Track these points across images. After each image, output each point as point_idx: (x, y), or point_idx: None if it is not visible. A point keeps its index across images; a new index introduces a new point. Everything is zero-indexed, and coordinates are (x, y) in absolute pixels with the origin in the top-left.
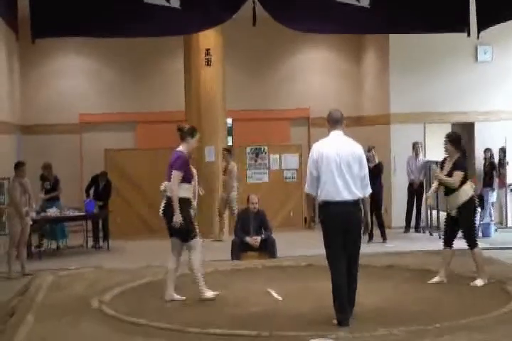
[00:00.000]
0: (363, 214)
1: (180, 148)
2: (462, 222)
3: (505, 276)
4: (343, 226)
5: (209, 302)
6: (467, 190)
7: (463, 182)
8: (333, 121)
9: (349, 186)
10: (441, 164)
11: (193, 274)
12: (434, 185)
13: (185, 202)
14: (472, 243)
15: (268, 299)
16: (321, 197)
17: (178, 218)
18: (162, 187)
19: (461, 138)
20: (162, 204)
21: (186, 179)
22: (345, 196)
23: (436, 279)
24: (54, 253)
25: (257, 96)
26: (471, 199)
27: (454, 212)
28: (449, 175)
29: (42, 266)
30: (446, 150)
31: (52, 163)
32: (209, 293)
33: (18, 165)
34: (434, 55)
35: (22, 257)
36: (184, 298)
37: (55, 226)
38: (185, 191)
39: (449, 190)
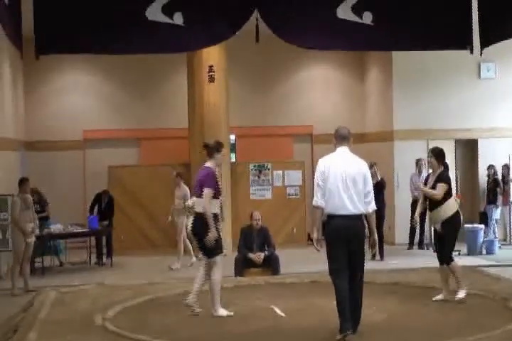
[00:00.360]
0: (367, 232)
1: (208, 164)
2: (446, 236)
3: (509, 293)
4: (346, 238)
5: (213, 319)
6: (451, 205)
7: (447, 196)
8: (341, 138)
9: (353, 201)
10: (425, 181)
11: (211, 290)
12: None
13: (213, 218)
14: (447, 259)
15: (272, 316)
16: (326, 210)
17: (213, 235)
18: (190, 203)
19: (444, 152)
20: (190, 221)
21: (215, 195)
22: (350, 209)
23: (439, 297)
24: (57, 270)
25: (260, 112)
26: (455, 215)
27: (438, 227)
28: (433, 188)
29: (45, 282)
30: (430, 165)
31: (55, 179)
32: (222, 312)
33: (22, 181)
34: (437, 71)
35: (25, 273)
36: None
37: (56, 242)
38: (214, 206)
39: (433, 205)
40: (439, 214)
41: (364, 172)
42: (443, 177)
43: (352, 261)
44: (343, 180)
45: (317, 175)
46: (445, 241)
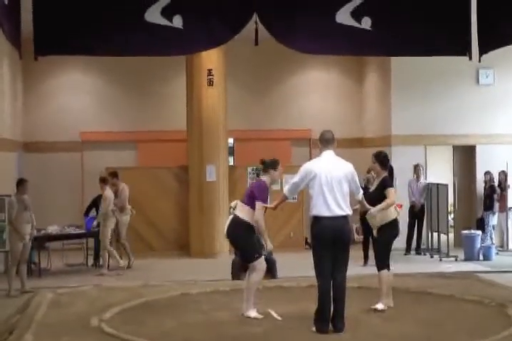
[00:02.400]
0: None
1: (264, 178)
2: (378, 242)
3: (506, 299)
4: (332, 238)
5: (209, 322)
6: (390, 212)
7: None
8: (325, 141)
9: (339, 203)
10: (366, 184)
11: (247, 289)
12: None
13: (252, 227)
14: (380, 265)
15: (269, 319)
16: (312, 212)
17: (270, 247)
18: (233, 204)
19: (387, 157)
20: (227, 223)
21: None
22: (335, 211)
23: (379, 306)
24: (54, 271)
25: (258, 116)
26: (393, 223)
27: (374, 232)
28: (377, 191)
29: (42, 283)
30: (374, 170)
31: (53, 180)
32: (252, 313)
33: (21, 182)
34: (435, 77)
35: (22, 274)
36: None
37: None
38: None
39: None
40: (376, 219)
41: (350, 172)
42: (389, 183)
43: (337, 255)
44: (328, 182)
45: (299, 173)
46: (379, 247)
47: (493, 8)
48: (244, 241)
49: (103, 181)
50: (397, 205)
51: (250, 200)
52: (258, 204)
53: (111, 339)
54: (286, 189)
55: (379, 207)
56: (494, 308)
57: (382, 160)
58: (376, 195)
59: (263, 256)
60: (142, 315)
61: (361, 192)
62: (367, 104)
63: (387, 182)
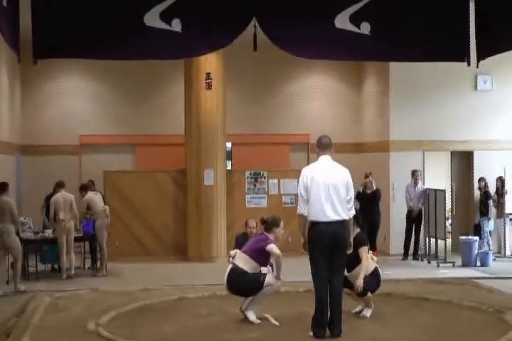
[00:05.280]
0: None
1: (269, 236)
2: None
3: (503, 306)
4: (329, 242)
5: (206, 327)
6: (369, 265)
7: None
8: (323, 147)
9: (336, 208)
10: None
11: (260, 293)
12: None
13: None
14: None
15: (266, 324)
16: (309, 217)
17: (280, 281)
18: (232, 253)
19: (357, 215)
20: (226, 273)
21: (266, 262)
22: (332, 217)
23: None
24: (51, 274)
25: (257, 120)
26: (374, 272)
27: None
28: (353, 252)
29: (39, 287)
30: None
31: (51, 183)
32: (252, 316)
33: (6, 185)
34: (434, 83)
35: (16, 274)
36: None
37: (50, 248)
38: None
39: (350, 266)
40: (358, 275)
41: (346, 180)
42: (363, 240)
43: (334, 260)
44: (325, 188)
45: (300, 184)
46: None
47: (491, 14)
48: (247, 285)
49: (83, 189)
50: (373, 254)
51: (255, 253)
52: (271, 246)
53: None
54: (299, 208)
55: (361, 276)
56: (491, 314)
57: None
58: (353, 257)
59: (266, 273)
60: (139, 319)
61: (353, 210)
62: (365, 110)
63: (361, 239)
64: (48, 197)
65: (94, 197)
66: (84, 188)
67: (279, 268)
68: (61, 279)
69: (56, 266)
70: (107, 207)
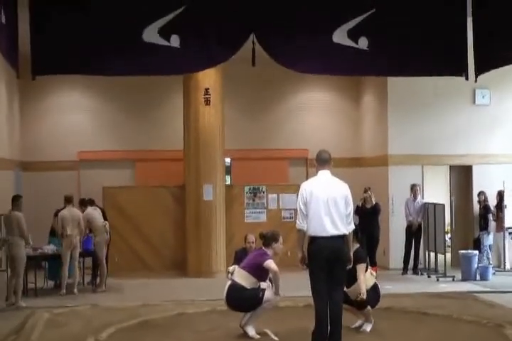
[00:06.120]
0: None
1: (268, 251)
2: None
3: (503, 320)
4: (329, 257)
5: None
6: (367, 280)
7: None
8: (322, 161)
9: (335, 223)
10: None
11: (260, 308)
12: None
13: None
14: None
15: (265, 340)
16: (308, 232)
17: (279, 296)
18: (231, 269)
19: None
20: (225, 289)
21: (262, 277)
22: (332, 232)
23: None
24: (50, 290)
25: (255, 135)
26: (374, 287)
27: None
28: (352, 268)
29: (38, 303)
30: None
31: (50, 199)
32: (251, 331)
33: (17, 198)
34: (432, 97)
35: (17, 288)
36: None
37: (53, 263)
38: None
39: (349, 282)
40: (357, 291)
41: (345, 195)
42: (361, 256)
43: (334, 275)
44: (324, 202)
45: (299, 199)
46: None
47: (489, 29)
48: (246, 301)
49: (82, 204)
50: (372, 269)
51: (253, 268)
52: (269, 262)
53: None
54: (298, 223)
55: (362, 288)
56: (492, 328)
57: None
58: (352, 273)
59: (265, 289)
60: (139, 334)
61: (352, 225)
62: (364, 124)
63: (359, 256)
64: (57, 212)
65: (94, 213)
66: (83, 203)
67: (277, 283)
68: (62, 295)
69: (59, 283)
70: (106, 222)
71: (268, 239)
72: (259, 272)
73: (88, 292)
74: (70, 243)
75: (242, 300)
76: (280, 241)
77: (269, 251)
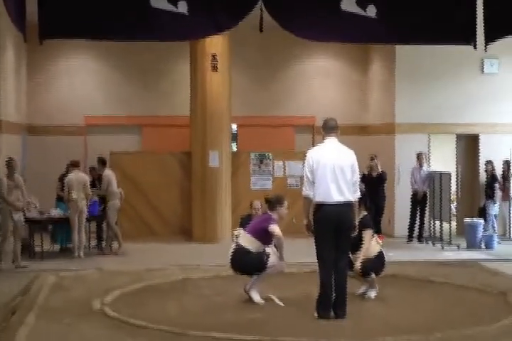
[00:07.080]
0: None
1: (273, 215)
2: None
3: (507, 288)
4: (334, 224)
5: (210, 307)
6: (373, 248)
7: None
8: (329, 129)
9: (341, 190)
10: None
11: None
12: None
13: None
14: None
15: (270, 305)
16: (315, 198)
17: (284, 264)
18: (236, 232)
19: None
20: (230, 252)
21: (269, 241)
22: (338, 198)
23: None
24: (60, 255)
25: (262, 102)
26: (379, 255)
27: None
28: (358, 235)
29: (44, 266)
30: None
31: (56, 163)
32: (256, 296)
33: (9, 162)
34: (440, 66)
35: (16, 250)
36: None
37: (59, 227)
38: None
39: (354, 248)
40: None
41: (352, 162)
42: (368, 223)
43: (339, 242)
44: (331, 170)
45: (305, 166)
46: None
47: None
48: (251, 265)
49: (102, 163)
50: (378, 237)
51: (258, 232)
52: (273, 227)
53: (112, 322)
54: (304, 190)
55: (360, 258)
56: (496, 296)
57: (360, 200)
58: (357, 239)
59: (270, 253)
60: (144, 298)
61: (358, 193)
62: (371, 92)
63: (365, 222)
64: (62, 177)
65: (113, 177)
66: (103, 163)
67: (281, 249)
68: (73, 258)
69: (65, 246)
70: (121, 189)
71: (273, 203)
72: (264, 236)
73: (93, 255)
74: (76, 207)
75: (247, 263)
76: (285, 205)
77: (275, 215)
